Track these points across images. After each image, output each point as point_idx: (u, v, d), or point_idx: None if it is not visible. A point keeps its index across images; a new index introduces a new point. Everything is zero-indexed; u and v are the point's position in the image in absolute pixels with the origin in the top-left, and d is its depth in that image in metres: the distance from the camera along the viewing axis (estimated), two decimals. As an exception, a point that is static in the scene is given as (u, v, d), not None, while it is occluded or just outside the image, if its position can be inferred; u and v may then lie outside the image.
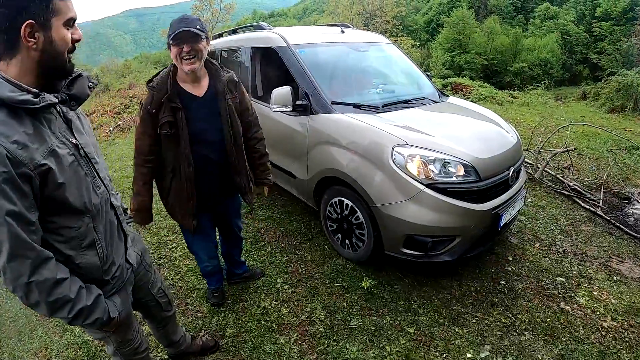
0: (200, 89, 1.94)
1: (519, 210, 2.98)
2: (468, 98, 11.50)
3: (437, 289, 2.69)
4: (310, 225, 3.54)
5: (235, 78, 2.07)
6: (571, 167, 4.85)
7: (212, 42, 4.96)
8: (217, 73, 1.99)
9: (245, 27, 4.38)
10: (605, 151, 5.75)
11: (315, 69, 3.13)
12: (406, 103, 3.23)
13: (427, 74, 3.99)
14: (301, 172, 3.22)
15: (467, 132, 2.91)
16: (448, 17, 41.71)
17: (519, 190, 2.90)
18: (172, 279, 2.87)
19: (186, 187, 1.98)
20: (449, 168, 2.48)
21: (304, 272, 2.90)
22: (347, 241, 2.98)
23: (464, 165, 2.48)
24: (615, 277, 2.85)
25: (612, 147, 5.96)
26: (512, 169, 2.74)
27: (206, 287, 2.68)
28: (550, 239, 3.33)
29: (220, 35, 4.96)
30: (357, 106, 2.97)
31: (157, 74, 1.91)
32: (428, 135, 2.63)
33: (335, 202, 2.93)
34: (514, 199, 2.78)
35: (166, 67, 1.93)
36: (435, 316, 2.44)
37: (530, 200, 4.05)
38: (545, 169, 4.63)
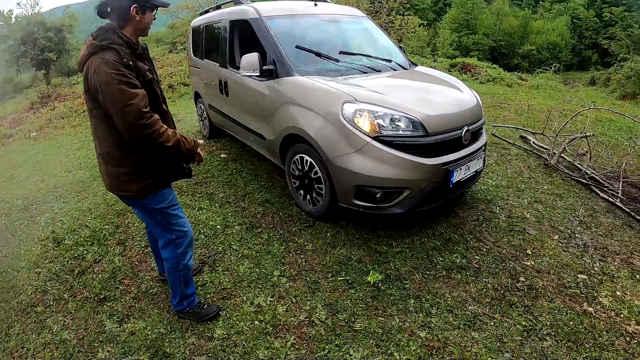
0: None
1: (477, 171, 3.09)
2: (476, 79, 11.07)
3: (452, 285, 2.44)
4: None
5: None
6: (588, 154, 4.56)
7: (197, 18, 5.16)
8: None
9: (227, 2, 4.52)
10: (621, 139, 5.46)
11: (283, 38, 3.37)
12: (371, 69, 3.45)
13: (400, 46, 4.19)
14: (269, 133, 3.45)
15: (422, 93, 3.14)
16: (456, -4, 40.35)
17: (477, 150, 3.01)
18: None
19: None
20: (397, 123, 2.63)
21: (303, 263, 2.64)
22: (308, 196, 3.17)
23: (411, 120, 2.61)
24: (638, 276, 2.62)
25: (629, 134, 5.65)
26: (465, 129, 2.85)
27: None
28: (569, 231, 3.09)
29: (207, 12, 5.11)
30: (319, 71, 3.21)
31: (103, 39, 1.67)
32: (380, 94, 2.80)
33: (297, 159, 3.12)
34: (469, 158, 2.90)
35: (102, 30, 1.70)
36: (450, 317, 2.19)
37: (546, 187, 3.80)
38: (562, 154, 4.35)
